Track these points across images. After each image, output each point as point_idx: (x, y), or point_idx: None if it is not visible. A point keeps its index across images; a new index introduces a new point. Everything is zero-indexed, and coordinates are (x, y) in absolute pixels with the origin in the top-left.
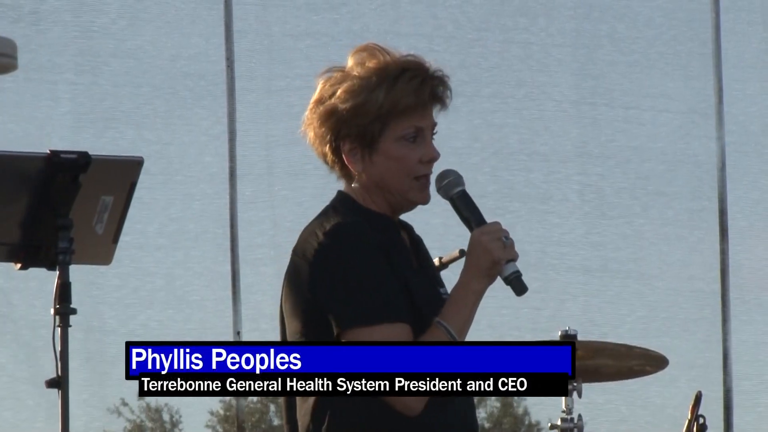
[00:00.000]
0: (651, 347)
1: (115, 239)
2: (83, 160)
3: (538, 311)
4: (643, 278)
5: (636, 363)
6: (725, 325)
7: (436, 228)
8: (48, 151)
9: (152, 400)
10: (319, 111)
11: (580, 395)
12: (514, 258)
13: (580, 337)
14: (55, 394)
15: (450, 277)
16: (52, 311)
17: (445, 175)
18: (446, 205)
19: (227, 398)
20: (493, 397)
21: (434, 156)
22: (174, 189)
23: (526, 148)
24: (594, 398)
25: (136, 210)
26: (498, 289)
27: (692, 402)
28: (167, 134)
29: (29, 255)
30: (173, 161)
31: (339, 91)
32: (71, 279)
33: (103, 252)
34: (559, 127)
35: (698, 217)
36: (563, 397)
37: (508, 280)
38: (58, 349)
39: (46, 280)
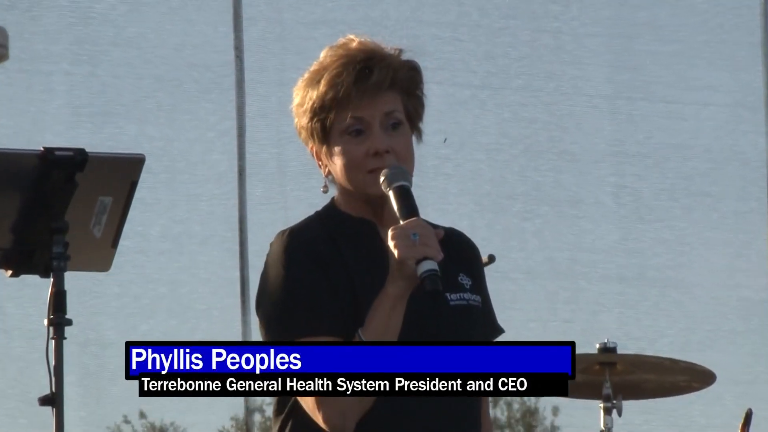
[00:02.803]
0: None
1: (115, 243)
2: (80, 157)
3: (568, 324)
4: (684, 287)
5: (681, 378)
6: None
7: None
8: (42, 148)
9: (157, 419)
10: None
11: (620, 413)
12: (427, 256)
13: (618, 350)
14: (49, 412)
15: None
16: (45, 322)
17: (390, 169)
18: (469, 210)
19: (239, 416)
20: (517, 416)
21: (379, 148)
22: (178, 189)
23: (556, 146)
24: (631, 418)
25: (137, 212)
26: (525, 301)
27: (742, 421)
28: (171, 130)
29: (21, 261)
30: (177, 159)
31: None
32: (67, 287)
33: (101, 257)
34: (592, 124)
35: (745, 220)
36: (602, 416)
37: (420, 281)
38: (52, 363)
39: (39, 288)
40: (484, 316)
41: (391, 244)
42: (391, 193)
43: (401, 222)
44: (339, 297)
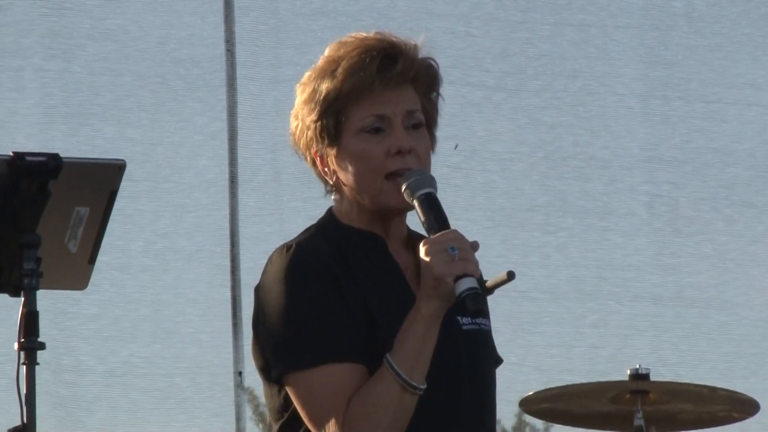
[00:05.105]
0: (738, 390)
1: (92, 259)
2: (53, 163)
3: (595, 350)
4: (726, 308)
5: (720, 408)
6: None
7: None
8: (10, 153)
9: None
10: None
11: None
12: (467, 273)
13: (652, 378)
14: None
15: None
16: (15, 346)
17: (411, 174)
18: (488, 223)
19: None
20: None
21: (404, 146)
22: (163, 199)
23: (583, 152)
24: None
25: (116, 224)
26: (547, 324)
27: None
28: (154, 133)
29: None
30: (161, 165)
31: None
32: (39, 307)
33: (77, 274)
34: (623, 127)
35: None
36: None
37: (458, 301)
38: (23, 391)
39: (9, 308)
40: (491, 342)
41: (425, 259)
42: (416, 203)
43: (430, 236)
44: (357, 318)
